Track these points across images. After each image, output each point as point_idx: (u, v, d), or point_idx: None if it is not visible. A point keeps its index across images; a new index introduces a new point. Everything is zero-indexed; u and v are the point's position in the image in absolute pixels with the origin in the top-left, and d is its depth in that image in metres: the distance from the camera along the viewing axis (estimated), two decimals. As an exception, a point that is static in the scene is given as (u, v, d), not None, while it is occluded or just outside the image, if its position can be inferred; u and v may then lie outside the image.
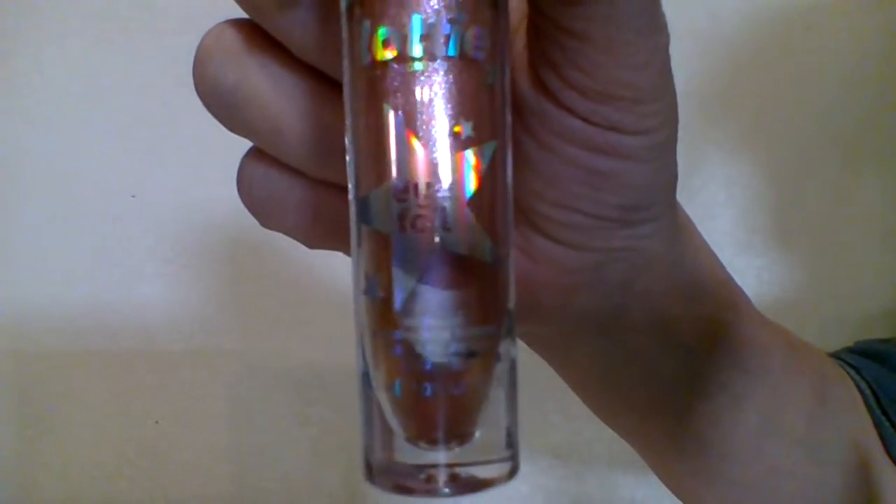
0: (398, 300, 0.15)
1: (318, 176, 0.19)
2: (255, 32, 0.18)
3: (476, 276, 0.15)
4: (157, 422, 0.52)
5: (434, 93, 0.15)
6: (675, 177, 0.19)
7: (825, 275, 0.53)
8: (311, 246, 0.20)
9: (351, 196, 0.16)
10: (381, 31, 0.14)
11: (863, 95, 0.53)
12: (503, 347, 0.16)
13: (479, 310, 0.15)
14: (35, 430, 0.51)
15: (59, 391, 0.51)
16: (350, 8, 0.15)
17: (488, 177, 0.15)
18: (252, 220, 0.20)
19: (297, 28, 0.17)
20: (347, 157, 0.16)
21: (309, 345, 0.52)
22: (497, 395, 0.16)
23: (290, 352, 0.52)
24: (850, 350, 0.33)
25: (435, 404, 0.15)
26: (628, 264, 0.20)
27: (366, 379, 0.16)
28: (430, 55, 0.14)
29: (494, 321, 0.15)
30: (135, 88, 0.52)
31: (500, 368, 0.16)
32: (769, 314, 0.26)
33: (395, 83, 0.15)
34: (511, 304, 0.16)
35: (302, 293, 0.51)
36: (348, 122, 0.16)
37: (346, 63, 0.16)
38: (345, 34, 0.15)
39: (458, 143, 0.15)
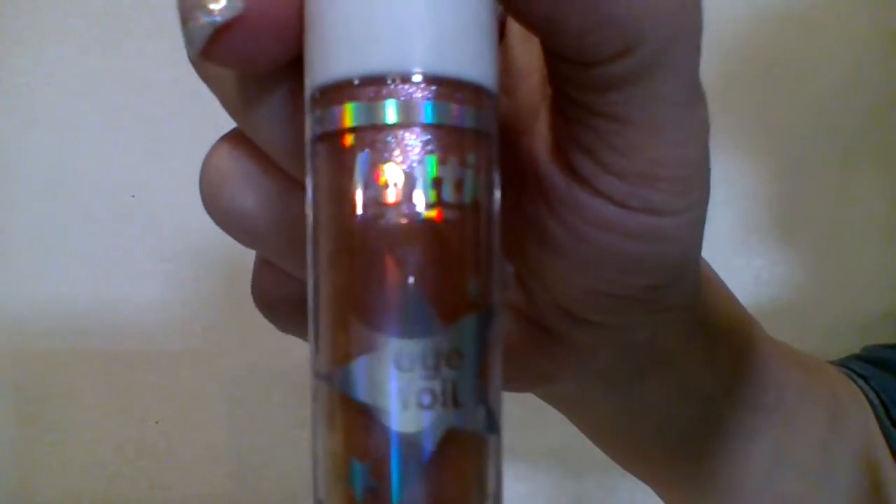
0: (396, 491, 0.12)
1: None
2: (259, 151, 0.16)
3: (472, 452, 0.13)
4: (157, 422, 0.51)
5: (444, 245, 0.12)
6: (701, 247, 0.18)
7: (825, 275, 0.53)
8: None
9: (316, 363, 0.13)
10: (387, 170, 0.12)
11: (863, 95, 0.53)
12: None
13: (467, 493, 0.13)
14: (35, 429, 0.51)
15: (59, 391, 0.51)
16: (326, 136, 0.13)
17: (492, 344, 0.13)
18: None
19: (273, 133, 0.15)
20: (311, 318, 0.14)
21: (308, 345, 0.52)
22: None
23: (290, 352, 0.52)
24: (857, 357, 0.32)
25: None
26: (651, 330, 0.19)
27: None
28: (440, 200, 0.12)
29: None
30: (134, 88, 0.52)
31: None
32: (768, 314, 0.26)
33: (400, 233, 0.12)
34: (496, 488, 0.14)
35: (302, 293, 0.51)
36: (316, 274, 0.13)
37: (320, 194, 0.13)
38: (320, 161, 0.13)
39: (466, 304, 0.13)
